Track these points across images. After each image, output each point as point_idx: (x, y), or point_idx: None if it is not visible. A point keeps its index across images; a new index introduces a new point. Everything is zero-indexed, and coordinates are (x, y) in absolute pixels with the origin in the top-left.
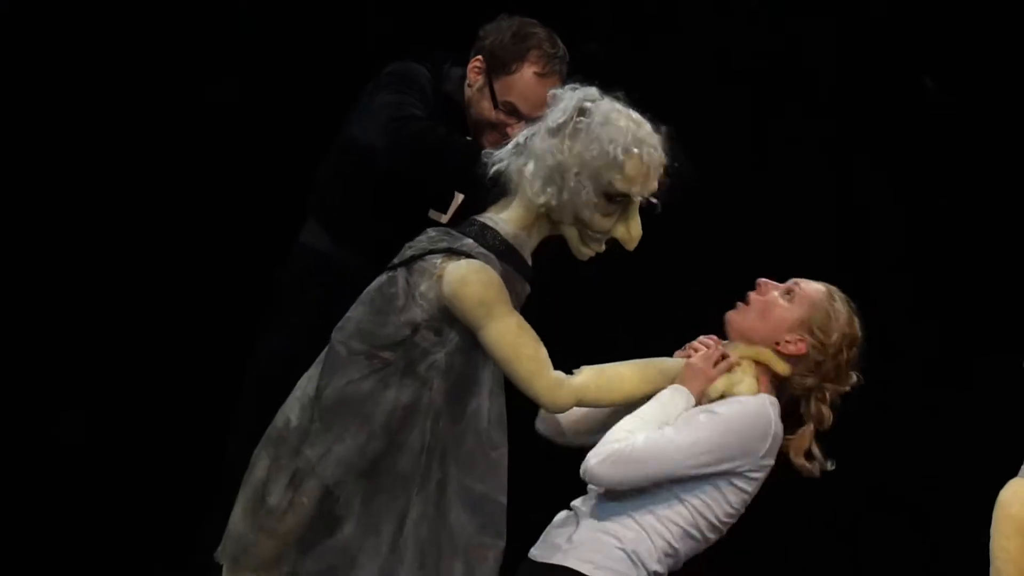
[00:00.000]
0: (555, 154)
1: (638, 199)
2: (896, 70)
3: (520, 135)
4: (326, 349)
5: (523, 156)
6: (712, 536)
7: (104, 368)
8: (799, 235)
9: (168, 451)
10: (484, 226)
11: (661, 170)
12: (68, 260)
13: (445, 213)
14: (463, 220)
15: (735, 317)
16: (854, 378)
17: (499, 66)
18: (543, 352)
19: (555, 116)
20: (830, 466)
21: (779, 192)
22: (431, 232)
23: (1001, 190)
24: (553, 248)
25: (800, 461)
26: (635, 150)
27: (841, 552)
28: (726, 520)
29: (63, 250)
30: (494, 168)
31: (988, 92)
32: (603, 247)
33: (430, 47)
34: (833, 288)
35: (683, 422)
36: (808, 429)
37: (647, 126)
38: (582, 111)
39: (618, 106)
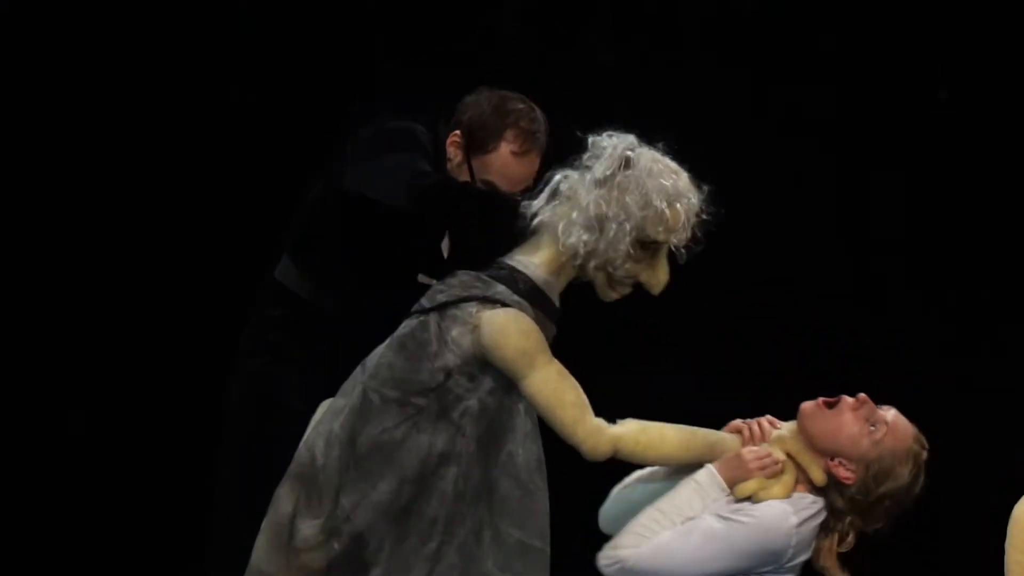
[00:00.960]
0: (601, 204)
1: (670, 246)
2: (909, 81)
3: (554, 182)
4: (358, 393)
5: (564, 204)
6: None
7: (106, 369)
8: (810, 244)
9: (168, 453)
10: (514, 270)
11: (695, 218)
12: (71, 263)
13: (435, 279)
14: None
15: (810, 413)
16: (880, 525)
17: (477, 144)
18: (583, 398)
19: (600, 167)
20: None
21: (788, 203)
22: (462, 276)
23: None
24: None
25: (824, 565)
26: (678, 202)
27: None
28: None
29: (66, 253)
30: (534, 219)
31: (998, 98)
32: (630, 290)
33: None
34: (918, 447)
35: (698, 529)
36: (830, 543)
37: (684, 176)
38: (626, 162)
39: (658, 156)
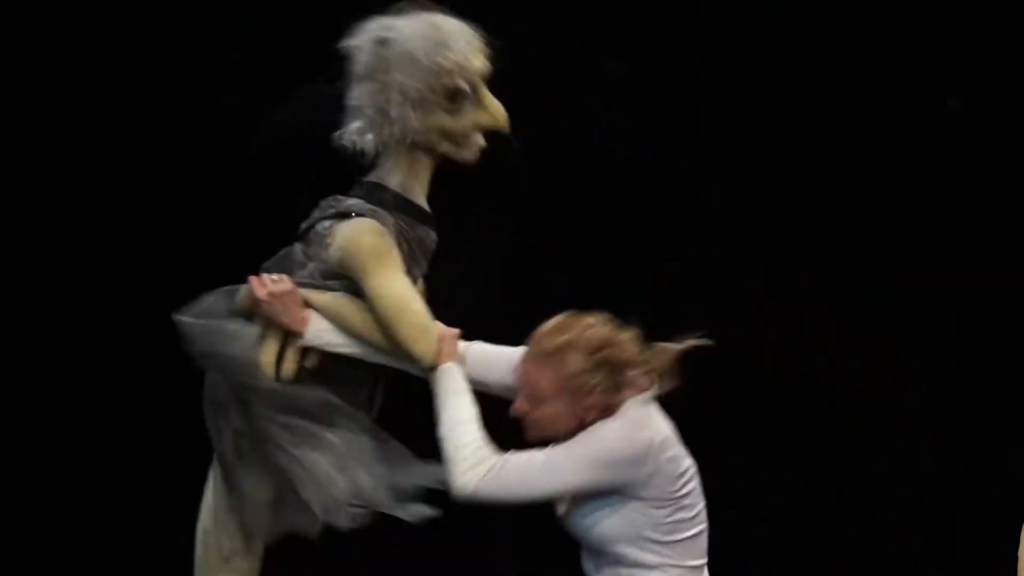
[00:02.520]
0: (375, 95)
1: (479, 84)
2: (918, 88)
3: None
4: None
5: (352, 116)
6: (688, 511)
7: (117, 371)
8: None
9: (174, 455)
10: (372, 184)
11: (479, 49)
12: (77, 265)
13: None
14: None
15: (533, 438)
16: (636, 354)
17: None
18: (427, 312)
19: (359, 65)
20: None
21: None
22: (322, 201)
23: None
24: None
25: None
26: (448, 47)
27: None
28: (685, 494)
29: (72, 255)
30: (347, 140)
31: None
32: (481, 139)
33: None
34: (552, 334)
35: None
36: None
37: (448, 20)
38: (381, 43)
39: (409, 20)
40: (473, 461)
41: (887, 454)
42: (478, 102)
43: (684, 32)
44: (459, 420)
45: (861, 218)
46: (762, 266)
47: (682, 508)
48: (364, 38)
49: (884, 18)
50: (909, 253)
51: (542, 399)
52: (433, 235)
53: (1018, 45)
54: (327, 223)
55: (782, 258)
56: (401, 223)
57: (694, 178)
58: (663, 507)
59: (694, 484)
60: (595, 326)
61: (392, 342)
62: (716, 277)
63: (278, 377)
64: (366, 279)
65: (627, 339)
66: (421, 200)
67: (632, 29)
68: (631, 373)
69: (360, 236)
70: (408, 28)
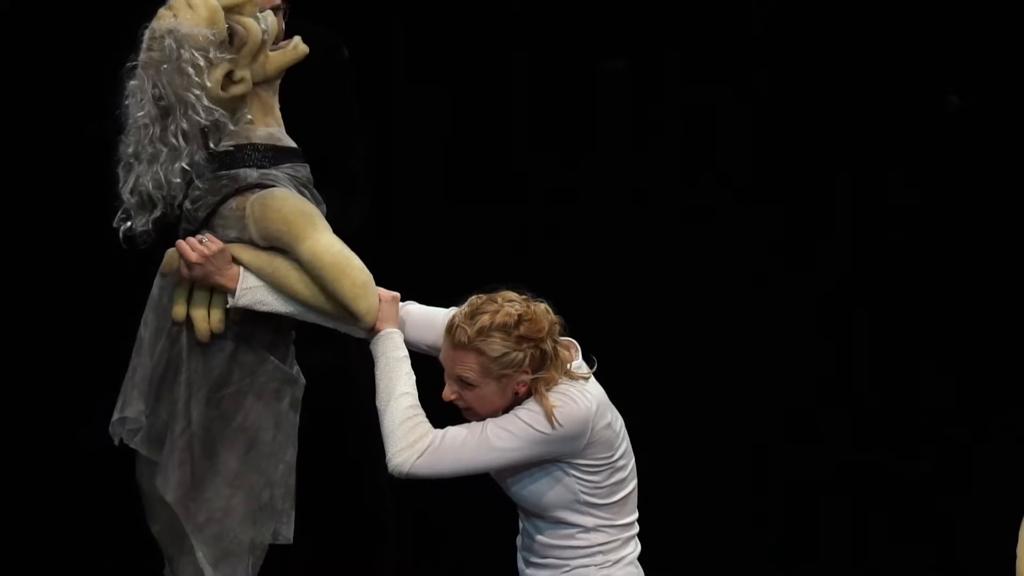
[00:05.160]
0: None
1: (237, 10)
2: (919, 86)
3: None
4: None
5: (158, 154)
6: (623, 471)
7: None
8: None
9: None
10: (240, 147)
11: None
12: (83, 264)
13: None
14: None
15: (470, 418)
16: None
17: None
18: (365, 268)
19: (137, 110)
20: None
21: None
22: (202, 185)
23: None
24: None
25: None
26: (193, 35)
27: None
28: (621, 455)
29: (79, 254)
30: (139, 190)
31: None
32: (297, 50)
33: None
34: (468, 322)
35: (500, 424)
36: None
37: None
38: (137, 67)
39: (146, 35)
40: (411, 439)
41: (887, 454)
42: (254, 18)
43: (682, 29)
44: (397, 392)
45: (861, 217)
46: (758, 265)
47: (618, 469)
48: (130, 100)
49: (884, 16)
50: (909, 253)
51: (471, 385)
52: (307, 167)
53: (1019, 44)
54: (232, 203)
55: (778, 256)
56: (290, 173)
57: (686, 171)
58: (600, 472)
59: (627, 443)
60: (507, 304)
61: (333, 301)
62: (709, 272)
63: (211, 333)
64: (300, 244)
65: (540, 311)
66: (286, 138)
67: (626, 28)
68: (552, 343)
69: (282, 205)
70: (152, 45)
